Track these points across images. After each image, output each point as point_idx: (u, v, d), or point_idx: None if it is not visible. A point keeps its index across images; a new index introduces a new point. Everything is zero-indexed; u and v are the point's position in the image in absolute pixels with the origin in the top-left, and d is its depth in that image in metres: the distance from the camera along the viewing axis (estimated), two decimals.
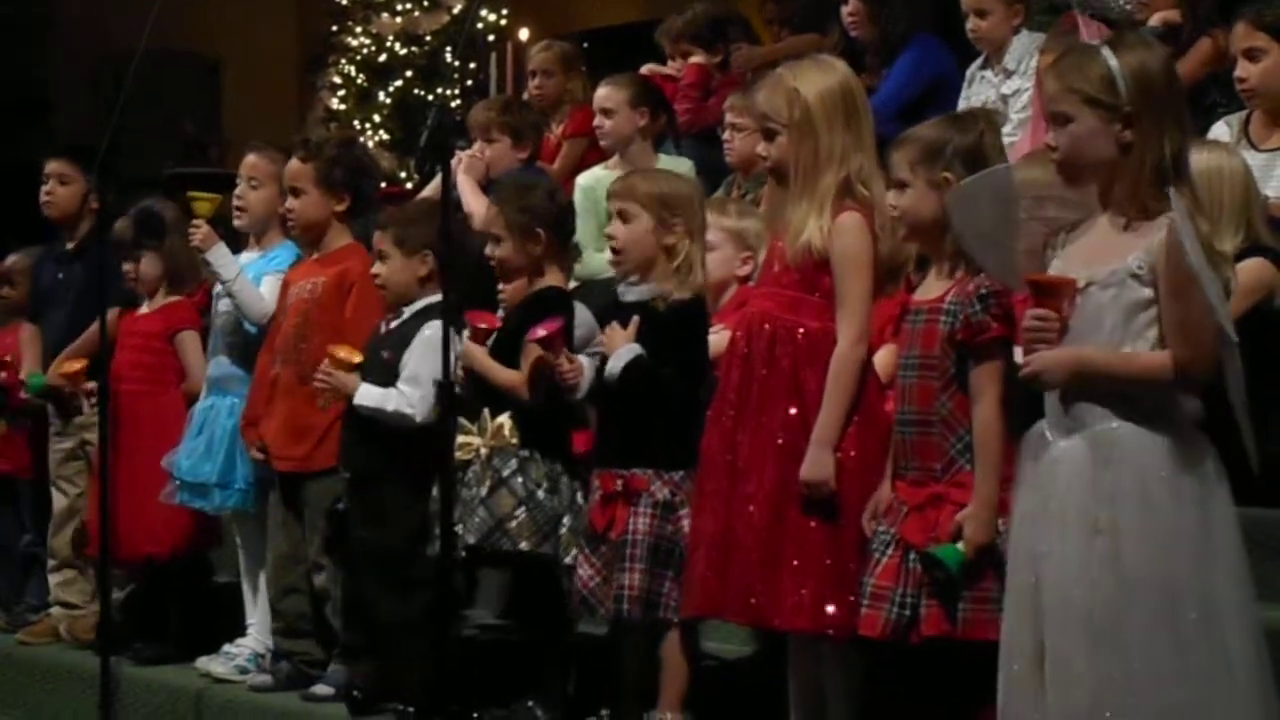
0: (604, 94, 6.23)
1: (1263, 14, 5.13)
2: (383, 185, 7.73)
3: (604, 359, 4.57)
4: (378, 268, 5.19)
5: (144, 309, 6.26)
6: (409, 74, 11.47)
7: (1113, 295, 3.44)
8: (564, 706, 4.79)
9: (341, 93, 11.62)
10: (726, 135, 5.99)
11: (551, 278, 4.91)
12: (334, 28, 11.81)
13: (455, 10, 11.44)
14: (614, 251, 4.65)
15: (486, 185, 6.00)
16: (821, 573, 4.01)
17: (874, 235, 4.10)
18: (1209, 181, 4.36)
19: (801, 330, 4.12)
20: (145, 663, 5.99)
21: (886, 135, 4.33)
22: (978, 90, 6.14)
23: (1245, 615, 3.40)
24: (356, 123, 11.35)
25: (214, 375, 5.85)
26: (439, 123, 4.49)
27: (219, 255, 5.63)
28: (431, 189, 6.42)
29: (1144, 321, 3.43)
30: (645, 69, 7.06)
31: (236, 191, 5.80)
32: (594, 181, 6.01)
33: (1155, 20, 5.82)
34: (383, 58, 11.51)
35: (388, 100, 11.47)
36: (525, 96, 7.26)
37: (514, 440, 4.75)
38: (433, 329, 5.02)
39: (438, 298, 5.09)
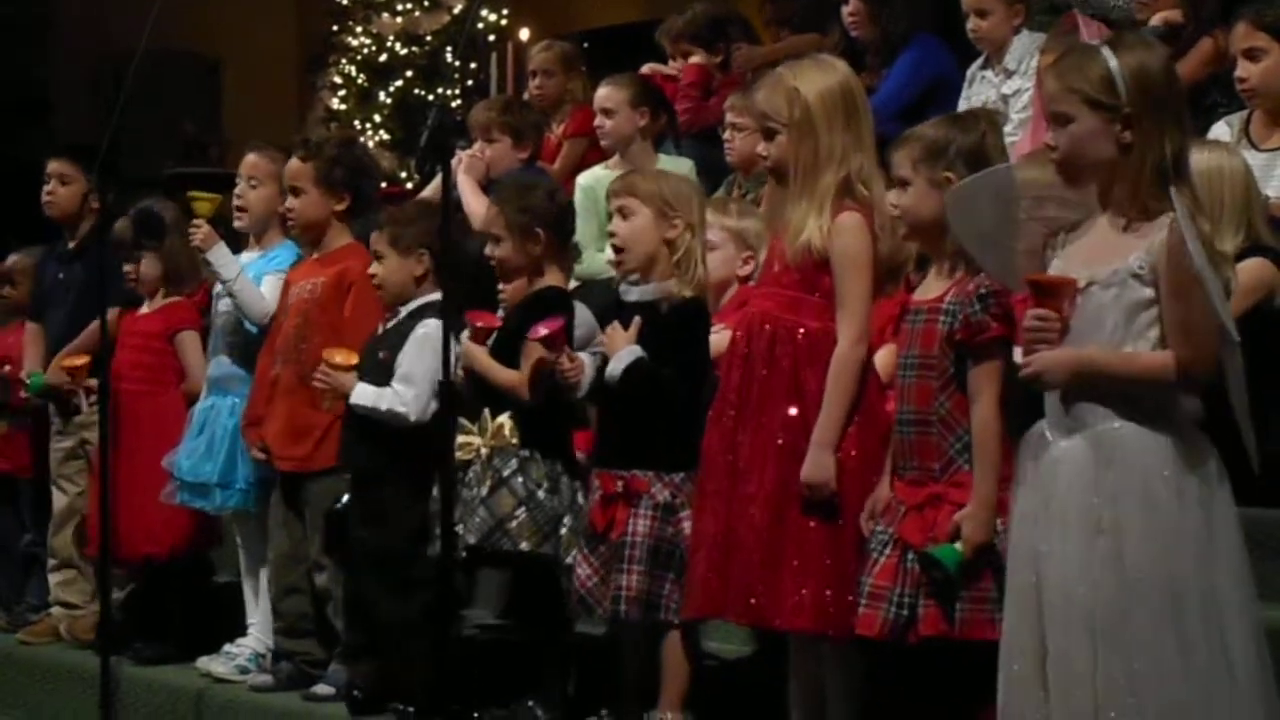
0: (604, 94, 6.24)
1: (1263, 14, 5.13)
2: (383, 185, 7.73)
3: (605, 359, 4.57)
4: (375, 268, 5.20)
5: (144, 309, 6.27)
6: (409, 74, 11.48)
7: (1114, 295, 3.44)
8: (564, 706, 4.79)
9: (342, 93, 11.63)
10: (727, 135, 5.99)
11: (551, 278, 4.91)
12: (334, 27, 11.82)
13: (456, 10, 11.44)
14: (616, 250, 4.65)
15: (487, 185, 6.00)
16: (822, 573, 4.00)
17: (874, 235, 4.10)
18: (1210, 181, 4.36)
19: (802, 330, 4.11)
20: (145, 663, 5.99)
21: (887, 135, 4.33)
22: (978, 90, 6.14)
23: (1247, 615, 3.40)
24: (357, 123, 11.36)
25: (214, 375, 5.85)
26: (439, 123, 4.49)
27: (219, 255, 5.63)
28: (432, 189, 6.42)
29: (1145, 321, 3.43)
30: (646, 68, 7.06)
31: (236, 191, 5.80)
32: (594, 181, 6.01)
33: (1157, 20, 5.82)
34: (383, 58, 11.52)
35: (388, 100, 11.48)
36: (526, 96, 7.26)
37: (514, 440, 4.75)
38: (426, 328, 5.03)
39: (434, 297, 5.10)
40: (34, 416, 6.79)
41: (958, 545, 3.78)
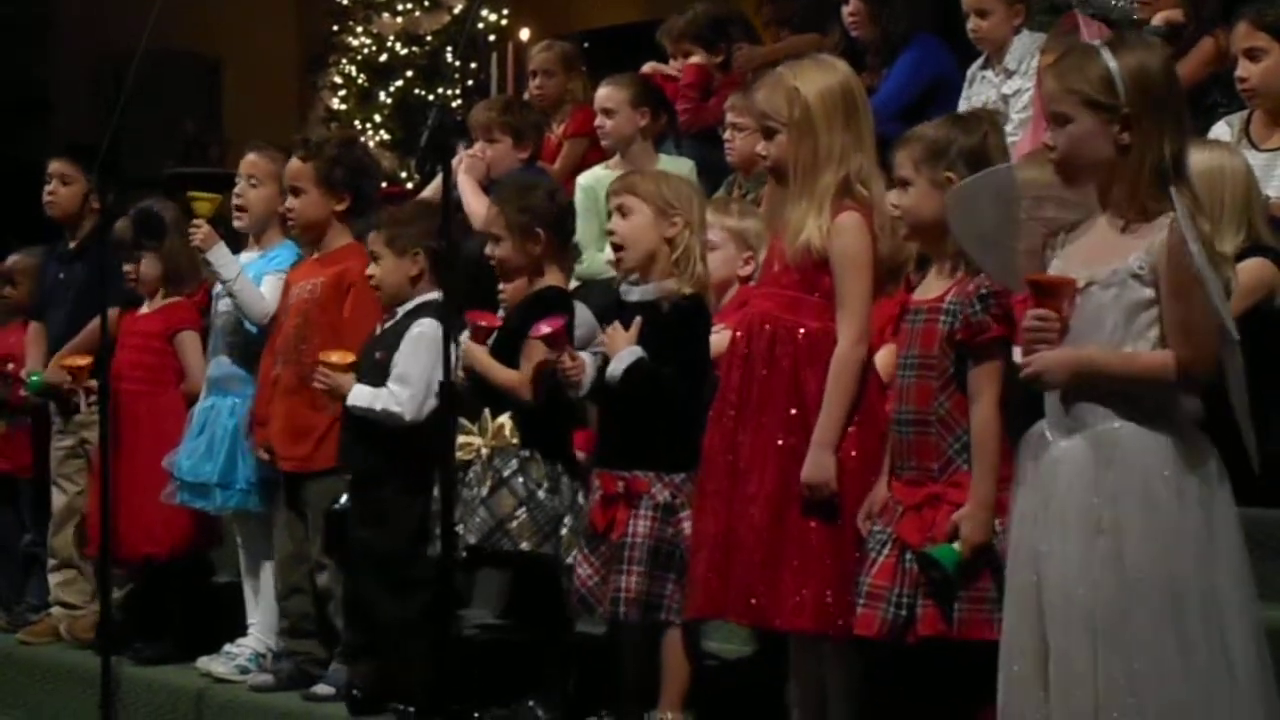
0: (605, 94, 6.24)
1: (1263, 14, 5.13)
2: (383, 185, 7.73)
3: (605, 359, 4.57)
4: (372, 269, 5.21)
5: (144, 309, 6.27)
6: (410, 74, 11.49)
7: (1114, 295, 3.43)
8: (564, 706, 4.79)
9: (342, 93, 11.64)
10: (727, 135, 5.98)
11: (551, 278, 4.91)
12: (334, 27, 11.83)
13: (456, 10, 11.45)
14: (615, 248, 4.65)
15: (487, 185, 6.00)
16: (823, 573, 4.00)
17: (873, 235, 4.10)
18: (1210, 181, 4.36)
19: (802, 330, 4.11)
20: (146, 663, 5.99)
21: (887, 135, 4.33)
22: (978, 90, 6.13)
23: (1247, 615, 3.40)
24: (357, 122, 11.36)
25: (214, 375, 5.85)
26: (440, 123, 4.49)
27: (219, 255, 5.63)
28: (432, 189, 6.42)
29: (1145, 321, 3.43)
30: (647, 67, 7.06)
31: (236, 190, 5.80)
32: (595, 181, 6.01)
33: (1158, 19, 5.81)
34: (383, 58, 11.52)
35: (388, 100, 11.48)
36: (526, 96, 7.26)
37: (514, 440, 4.75)
38: (421, 327, 5.04)
39: (431, 296, 5.11)
40: (34, 416, 6.79)
41: (956, 545, 3.78)
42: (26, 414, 6.83)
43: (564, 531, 4.71)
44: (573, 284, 5.28)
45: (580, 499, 4.74)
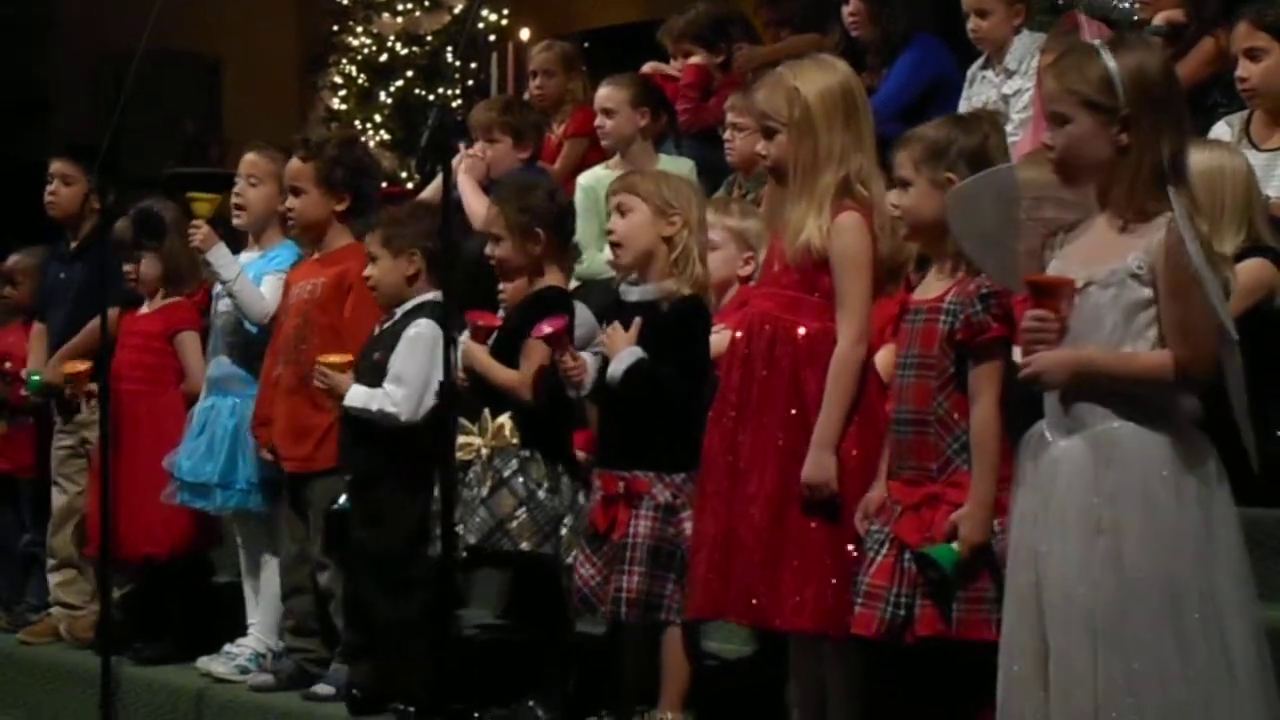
0: (605, 94, 6.23)
1: (1263, 14, 5.13)
2: (383, 185, 7.73)
3: (605, 359, 4.57)
4: (369, 270, 5.22)
5: (144, 309, 6.27)
6: (410, 74, 11.48)
7: (1112, 295, 3.43)
8: (564, 706, 4.79)
9: (342, 93, 11.63)
10: (727, 135, 5.98)
11: (551, 278, 4.91)
12: (334, 27, 11.83)
13: (456, 10, 11.45)
14: (613, 246, 4.65)
15: (487, 185, 6.00)
16: (823, 573, 4.00)
17: (873, 235, 4.09)
18: (1211, 181, 4.36)
19: (801, 330, 4.11)
20: (146, 663, 5.99)
21: (887, 135, 4.32)
22: (979, 90, 6.13)
23: (1246, 614, 3.39)
24: (357, 122, 11.36)
25: (214, 375, 5.85)
26: (440, 123, 4.49)
27: (219, 255, 5.63)
28: (432, 189, 6.42)
29: (1144, 321, 3.43)
30: (647, 67, 7.05)
31: (235, 189, 5.80)
32: (595, 181, 6.01)
33: (1159, 19, 5.81)
34: (384, 57, 11.52)
35: (389, 100, 11.48)
36: (526, 96, 7.26)
37: (514, 440, 4.75)
38: (418, 328, 5.05)
39: (427, 297, 5.11)
40: (36, 416, 6.79)
41: (955, 545, 3.78)
42: (28, 414, 6.83)
43: (564, 531, 4.71)
44: (573, 284, 5.28)
45: (580, 499, 4.74)
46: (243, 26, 12.72)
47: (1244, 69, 5.13)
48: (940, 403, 3.87)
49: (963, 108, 5.95)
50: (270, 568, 5.70)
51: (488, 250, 4.94)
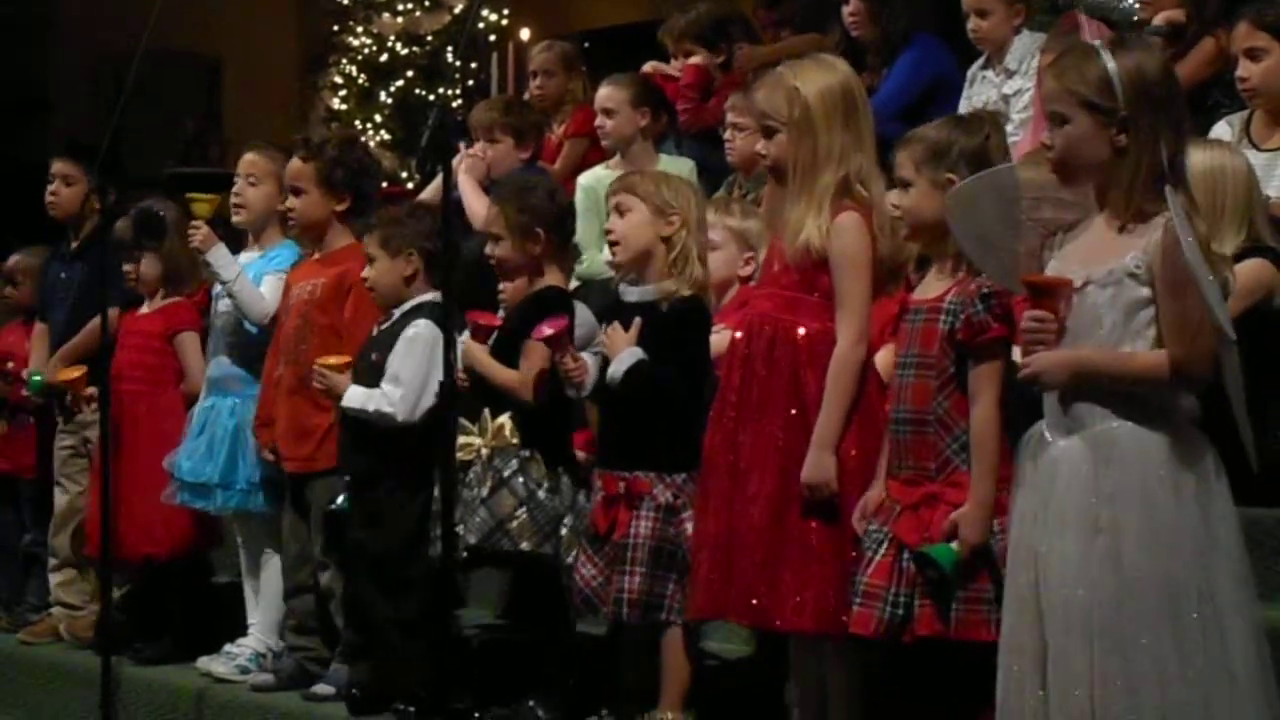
0: (605, 94, 6.23)
1: (1264, 14, 5.13)
2: (384, 185, 7.73)
3: (606, 359, 4.57)
4: (367, 270, 5.22)
5: (144, 309, 6.27)
6: (410, 74, 11.49)
7: (1111, 295, 3.44)
8: (564, 706, 4.79)
9: (342, 93, 11.64)
10: (728, 135, 5.97)
11: (551, 278, 4.92)
12: (335, 27, 11.83)
13: (456, 10, 11.45)
14: (612, 245, 4.65)
15: (487, 185, 6.00)
16: (823, 573, 4.00)
17: (873, 235, 4.09)
18: (1212, 181, 4.36)
19: (801, 330, 4.11)
20: (146, 663, 6.00)
21: (887, 135, 4.32)
22: (979, 90, 6.13)
23: (1246, 614, 3.39)
24: (358, 122, 11.36)
25: (214, 375, 5.85)
26: (440, 123, 4.49)
27: (219, 256, 5.63)
28: (432, 189, 6.42)
29: (1143, 321, 3.43)
30: (647, 67, 7.05)
31: (235, 189, 5.80)
32: (595, 181, 6.01)
33: (1159, 19, 5.81)
34: (384, 58, 11.53)
35: (389, 100, 11.49)
36: (526, 96, 7.26)
37: (515, 440, 4.75)
38: (415, 329, 5.05)
39: (426, 297, 5.12)
40: (37, 416, 6.79)
41: (954, 545, 3.78)
42: (30, 414, 6.83)
43: (564, 531, 4.72)
44: (573, 284, 5.28)
45: (580, 499, 4.74)
46: (243, 26, 12.71)
47: (1244, 69, 5.13)
48: (940, 402, 3.87)
49: (963, 108, 5.95)
50: (271, 567, 5.71)
51: (488, 250, 4.94)
